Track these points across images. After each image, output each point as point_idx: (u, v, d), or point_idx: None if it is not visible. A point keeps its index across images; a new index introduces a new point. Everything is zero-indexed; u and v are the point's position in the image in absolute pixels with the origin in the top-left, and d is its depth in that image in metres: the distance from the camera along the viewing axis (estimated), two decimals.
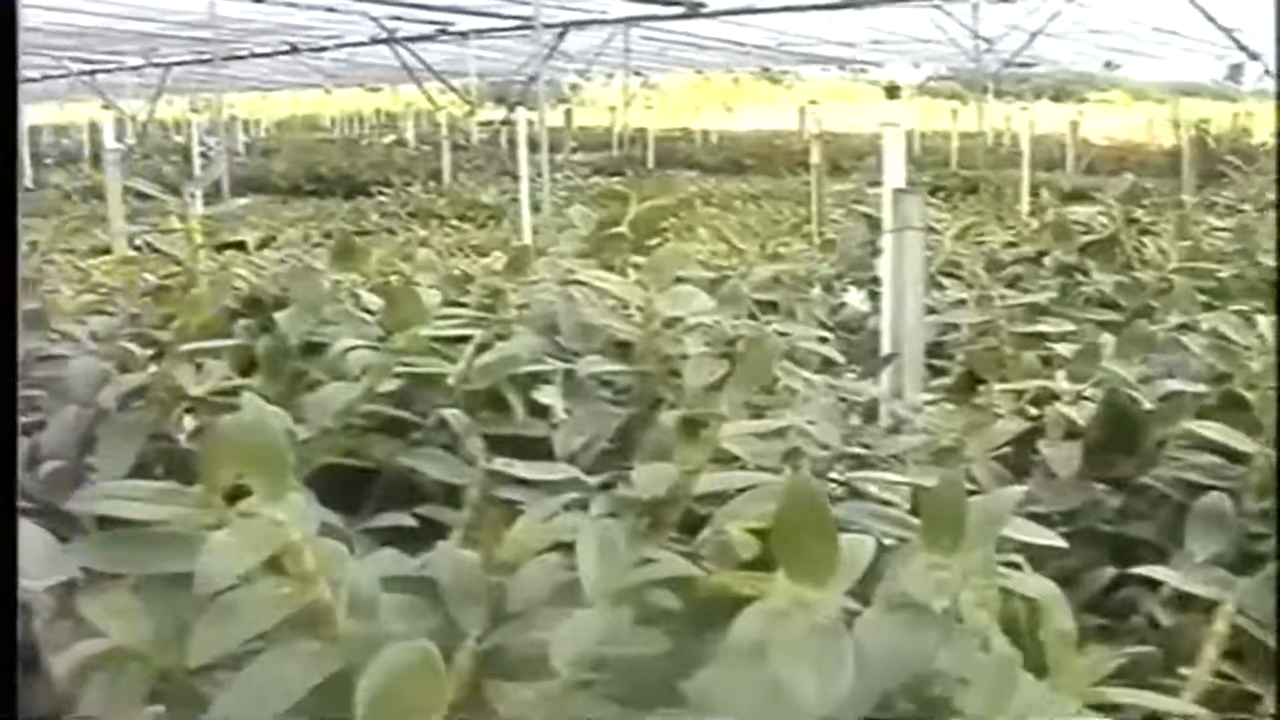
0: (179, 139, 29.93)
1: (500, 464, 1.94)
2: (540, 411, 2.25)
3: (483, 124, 24.62)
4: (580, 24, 19.95)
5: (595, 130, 27.41)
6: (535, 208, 10.27)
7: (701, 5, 18.40)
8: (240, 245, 3.55)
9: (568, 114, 22.69)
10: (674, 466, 1.74)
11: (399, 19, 20.17)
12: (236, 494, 1.32)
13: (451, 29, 21.09)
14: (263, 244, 3.67)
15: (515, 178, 16.52)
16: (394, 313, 2.20)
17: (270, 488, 1.24)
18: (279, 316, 2.42)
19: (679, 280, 2.47)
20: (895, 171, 3.07)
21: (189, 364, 2.17)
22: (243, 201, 3.37)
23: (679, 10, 18.72)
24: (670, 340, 2.36)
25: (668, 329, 2.36)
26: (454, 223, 10.23)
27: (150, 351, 2.28)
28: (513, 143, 23.47)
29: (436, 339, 2.29)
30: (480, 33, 21.39)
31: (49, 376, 2.30)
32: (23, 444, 1.98)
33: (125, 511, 1.37)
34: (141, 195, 8.08)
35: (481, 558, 1.53)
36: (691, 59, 29.46)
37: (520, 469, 1.94)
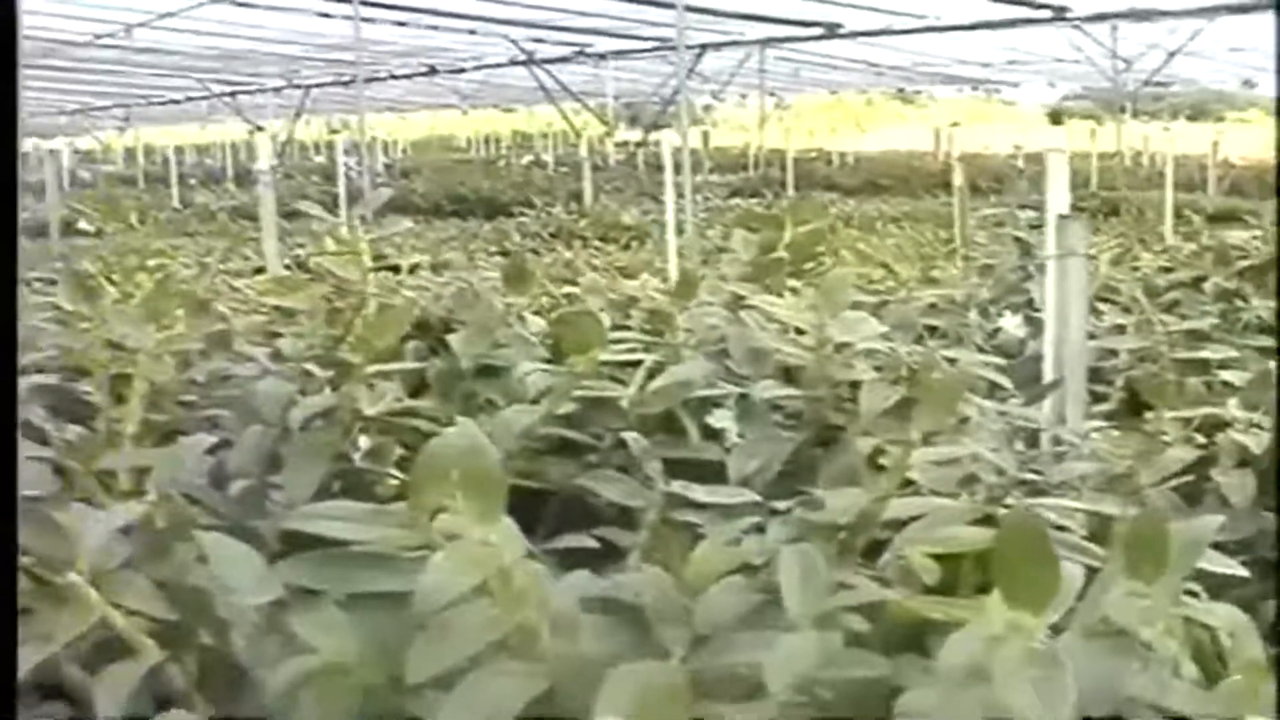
0: (318, 159, 30.33)
1: (678, 487, 1.96)
2: (711, 435, 2.27)
3: (620, 145, 24.72)
4: (717, 46, 19.97)
5: (730, 151, 27.38)
6: (678, 229, 10.30)
7: (839, 26, 18.38)
8: (394, 268, 3.58)
9: (705, 135, 22.72)
10: (862, 492, 1.75)
11: (539, 41, 20.32)
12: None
13: (589, 50, 21.20)
14: (417, 266, 3.71)
15: (654, 199, 16.62)
16: (571, 335, 2.21)
17: (483, 511, 1.27)
18: (453, 339, 2.45)
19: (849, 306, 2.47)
20: (1059, 197, 3.06)
21: (364, 385, 2.20)
22: (406, 224, 3.39)
23: (816, 32, 18.71)
24: (841, 365, 2.37)
25: (838, 354, 2.37)
26: (596, 244, 10.28)
27: (330, 373, 2.32)
28: (649, 164, 23.64)
29: (606, 362, 2.31)
30: (618, 54, 21.49)
31: (231, 396, 2.35)
32: (209, 463, 2.02)
33: (334, 531, 1.41)
34: (289, 215, 8.20)
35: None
36: (825, 79, 29.42)
37: (699, 493, 1.96)
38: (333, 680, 1.31)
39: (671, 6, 14.23)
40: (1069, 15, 17.42)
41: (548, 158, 27.53)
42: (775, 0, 16.59)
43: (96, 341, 2.40)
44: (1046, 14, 17.38)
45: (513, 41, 19.99)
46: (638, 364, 2.39)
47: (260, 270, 6.79)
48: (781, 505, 1.89)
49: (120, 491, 2.04)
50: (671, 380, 2.29)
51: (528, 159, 28.26)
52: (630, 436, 2.06)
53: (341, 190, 11.83)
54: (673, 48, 19.40)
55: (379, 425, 2.23)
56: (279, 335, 2.94)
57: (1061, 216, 3.02)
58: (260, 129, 12.46)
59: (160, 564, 1.67)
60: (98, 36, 18.98)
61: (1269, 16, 16.42)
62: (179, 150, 27.51)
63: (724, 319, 2.74)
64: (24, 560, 1.56)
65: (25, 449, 2.07)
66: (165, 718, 1.22)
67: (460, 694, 1.23)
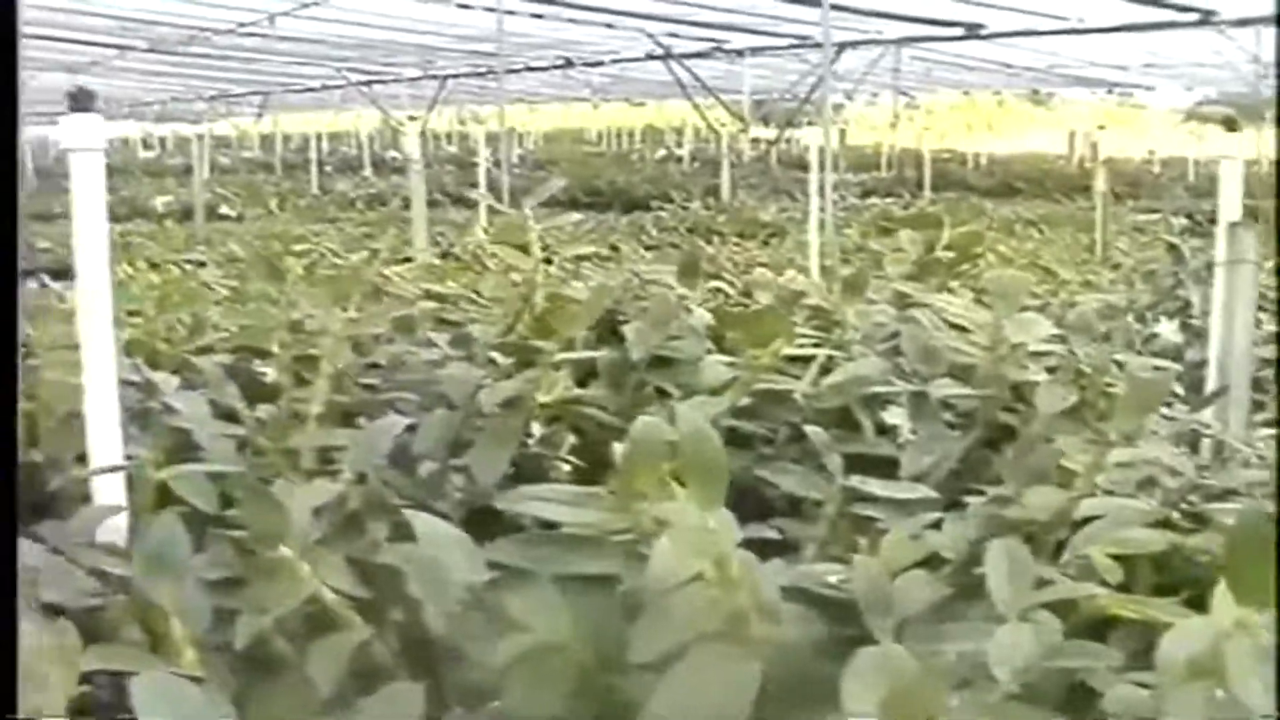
0: (450, 149, 30.53)
1: (856, 481, 1.99)
2: (882, 431, 2.29)
3: (755, 141, 24.69)
4: (855, 44, 19.89)
5: (861, 150, 27.24)
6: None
7: (980, 27, 18.23)
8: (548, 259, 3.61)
9: (841, 134, 22.62)
10: (1057, 490, 1.76)
11: (675, 35, 20.32)
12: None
13: (726, 46, 21.17)
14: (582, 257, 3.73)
15: (789, 196, 16.59)
16: (755, 329, 2.24)
17: (705, 498, 1.29)
18: (628, 330, 2.47)
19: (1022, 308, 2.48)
20: (1231, 204, 3.04)
21: (550, 372, 2.23)
22: (575, 216, 3.42)
23: (957, 32, 18.57)
24: (1014, 365, 2.38)
25: (1013, 354, 2.38)
26: (734, 240, 10.28)
27: (511, 360, 2.35)
28: (782, 161, 23.59)
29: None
30: (755, 50, 21.45)
31: (413, 380, 2.39)
32: (395, 444, 2.05)
33: (546, 513, 1.44)
34: (429, 204, 8.26)
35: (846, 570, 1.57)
36: (958, 79, 29.15)
37: (876, 486, 1.97)
38: (546, 658, 1.34)
39: (814, 4, 14.19)
40: (1216, 19, 17.16)
41: (682, 152, 27.56)
42: (916, 0, 16.52)
43: (280, 324, 2.45)
44: (1193, 17, 17.12)
45: (650, 36, 20.00)
46: (808, 359, 2.42)
47: (407, 258, 6.85)
48: (957, 501, 1.92)
49: (305, 471, 2.09)
50: (848, 376, 2.31)
51: (661, 153, 28.30)
52: (812, 430, 2.07)
53: (481, 180, 11.90)
54: (810, 45, 19.39)
55: (550, 412, 2.26)
56: (446, 321, 2.98)
57: (1233, 224, 3.00)
58: (413, 118, 12.60)
59: (353, 542, 1.71)
60: (241, 24, 19.19)
61: None
62: (316, 137, 27.79)
63: (892, 317, 2.76)
64: (236, 533, 1.61)
65: (217, 427, 2.13)
66: (389, 689, 1.25)
67: (676, 675, 1.25)
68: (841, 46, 19.52)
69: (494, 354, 2.44)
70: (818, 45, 18.68)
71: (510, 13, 15.81)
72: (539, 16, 17.94)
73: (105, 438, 1.85)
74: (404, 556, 1.56)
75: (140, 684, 1.08)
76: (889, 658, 1.18)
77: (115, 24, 19.77)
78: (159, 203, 15.72)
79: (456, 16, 18.22)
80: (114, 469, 1.84)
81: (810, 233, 7.49)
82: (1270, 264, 4.59)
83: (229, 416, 2.19)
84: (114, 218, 15.59)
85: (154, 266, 7.62)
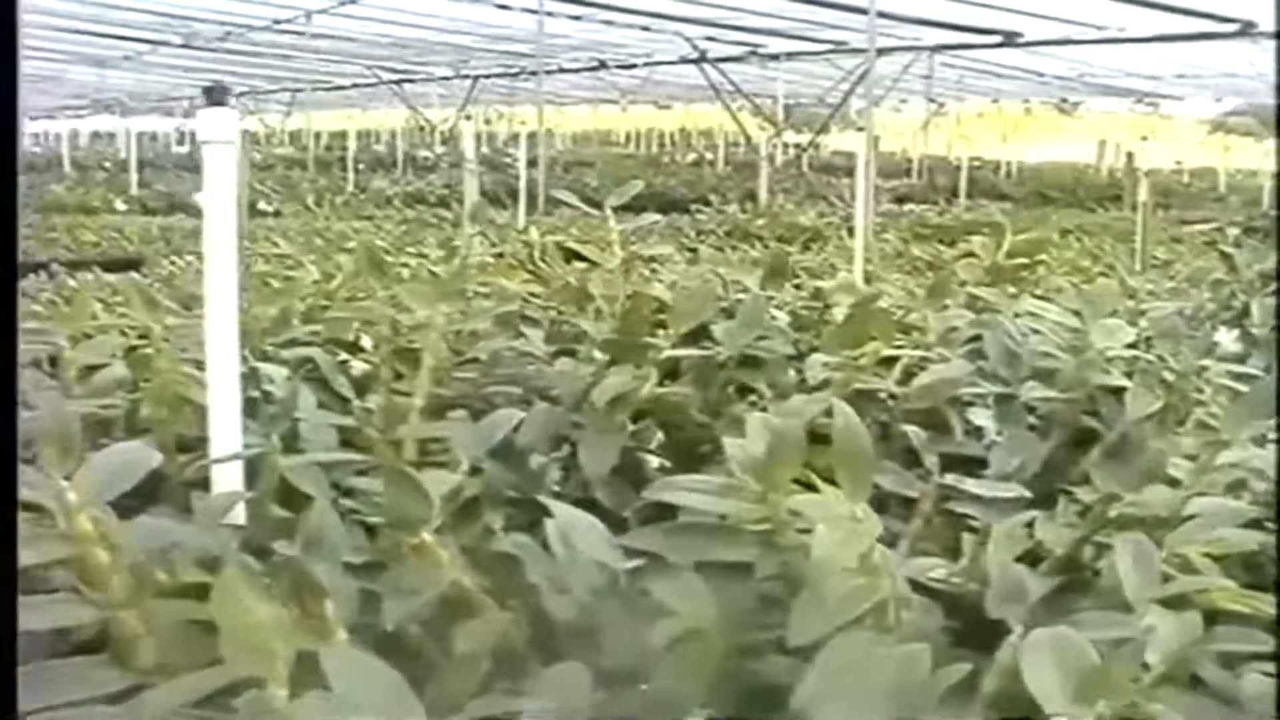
0: (482, 149, 30.60)
1: (951, 479, 2.03)
2: (968, 432, 2.33)
3: (789, 146, 24.74)
4: (890, 50, 19.92)
5: (890, 156, 27.26)
6: (850, 231, 10.32)
7: (1018, 35, 18.27)
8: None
9: (876, 140, 22.65)
10: (1168, 488, 1.80)
11: (711, 39, 20.37)
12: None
13: (761, 51, 21.24)
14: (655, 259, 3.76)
15: (826, 201, 16.62)
16: (855, 330, 2.28)
17: (854, 489, 1.33)
18: (717, 329, 2.51)
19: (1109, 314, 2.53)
20: None
21: (652, 368, 2.28)
22: (655, 217, 3.45)
23: (995, 40, 18.60)
24: (1098, 370, 2.42)
25: (1099, 358, 2.42)
26: (772, 244, 10.33)
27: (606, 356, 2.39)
28: (814, 166, 23.64)
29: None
30: (791, 55, 21.50)
31: (514, 374, 2.44)
32: (495, 438, 2.10)
33: (690, 502, 1.48)
34: (458, 201, 8.27)
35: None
36: (988, 87, 29.19)
37: (971, 485, 2.02)
38: (693, 644, 1.38)
39: (852, 10, 14.26)
40: (1255, 30, 17.18)
41: (711, 156, 27.61)
42: (954, 6, 16.52)
43: (381, 317, 2.50)
44: (1232, 28, 17.13)
45: (687, 39, 20.07)
46: (890, 360, 2.46)
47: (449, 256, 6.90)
48: (1046, 500, 1.96)
49: (409, 461, 2.14)
50: (936, 378, 2.35)
51: (692, 157, 28.36)
52: (911, 430, 2.11)
53: (522, 179, 11.97)
54: (845, 51, 19.43)
55: (639, 408, 2.30)
56: (524, 317, 3.02)
57: None
58: (468, 118, 12.62)
59: (467, 530, 1.76)
60: (276, 21, 19.29)
61: None
62: (343, 135, 27.87)
63: (969, 321, 2.80)
64: (375, 519, 1.65)
65: (329, 416, 2.17)
66: (559, 669, 1.29)
67: (824, 661, 1.29)
68: (879, 52, 19.55)
69: (577, 347, 2.49)
70: (853, 51, 18.76)
71: (549, 14, 15.87)
72: (576, 18, 18.01)
73: (226, 426, 1.89)
74: (532, 543, 1.61)
75: (331, 657, 1.13)
76: (1061, 638, 1.23)
77: (150, 18, 19.88)
78: (199, 197, 15.79)
79: (493, 17, 18.29)
80: (234, 457, 1.88)
81: (858, 237, 7.55)
82: None
83: (344, 410, 2.25)
84: (153, 211, 15.76)
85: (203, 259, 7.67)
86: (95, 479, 1.42)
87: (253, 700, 1.10)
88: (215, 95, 1.82)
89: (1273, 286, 3.70)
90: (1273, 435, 2.04)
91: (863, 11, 13.52)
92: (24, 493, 1.43)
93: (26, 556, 1.37)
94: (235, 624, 1.09)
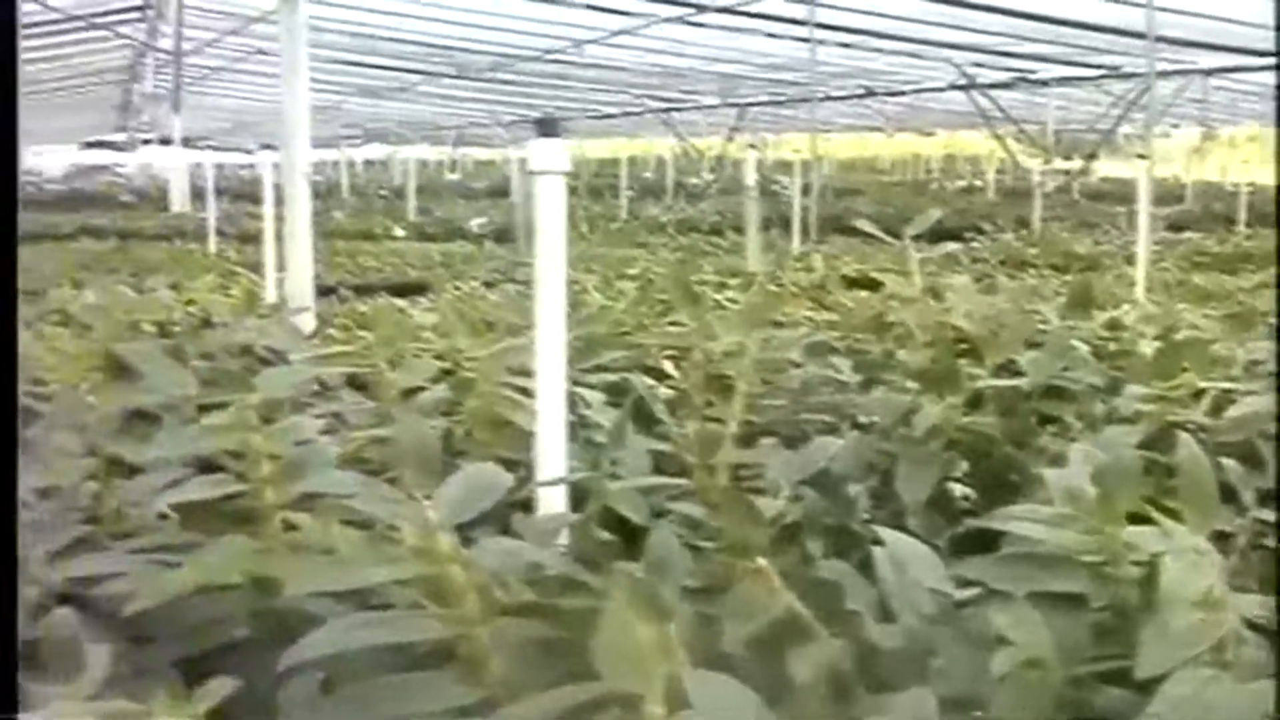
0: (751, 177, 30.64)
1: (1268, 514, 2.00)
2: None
3: (1059, 173, 24.37)
4: (1167, 74, 19.52)
5: (1161, 182, 26.63)
6: (1127, 260, 10.15)
7: None
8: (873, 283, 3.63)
9: (1150, 166, 22.24)
10: None
11: (980, 66, 20.20)
12: None
13: (1030, 77, 20.98)
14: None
15: (1100, 228, 16.35)
16: (1163, 362, 2.26)
17: (1200, 521, 1.33)
18: (1023, 360, 2.51)
19: None
20: None
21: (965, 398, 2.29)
22: (953, 246, 3.45)
23: (1270, 62, 18.12)
24: None
25: None
26: (1045, 271, 10.23)
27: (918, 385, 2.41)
28: (1083, 193, 23.26)
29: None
30: (1060, 81, 21.22)
31: (822, 402, 2.47)
32: (815, 465, 2.12)
33: (1025, 532, 1.49)
34: (734, 229, 8.32)
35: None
36: (1260, 110, 28.43)
37: None
38: (1030, 674, 1.39)
39: (1128, 34, 14.05)
40: None
41: (979, 183, 27.34)
42: (1229, 28, 16.13)
43: (688, 343, 2.54)
44: None
45: (955, 66, 19.92)
46: (1199, 392, 2.43)
47: (729, 283, 6.96)
48: None
49: (722, 488, 2.17)
50: (1249, 411, 2.32)
51: (960, 184, 28.13)
52: (1228, 464, 2.09)
53: (796, 207, 11.99)
54: (1117, 76, 19.09)
55: (937, 436, 2.31)
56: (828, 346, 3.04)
57: None
58: (753, 146, 12.69)
59: (786, 556, 1.78)
60: (546, 52, 19.58)
61: None
62: (614, 162, 28.16)
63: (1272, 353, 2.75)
64: (707, 544, 1.69)
65: (641, 443, 2.22)
66: (906, 695, 1.31)
67: (1168, 694, 1.29)
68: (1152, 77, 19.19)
69: (884, 376, 2.51)
70: (1125, 76, 18.43)
71: (819, 42, 15.88)
72: (846, 46, 17.97)
73: (552, 449, 1.95)
74: (852, 569, 1.63)
75: (695, 678, 1.16)
76: None
77: (423, 50, 20.32)
78: (475, 224, 16.15)
79: (762, 45, 18.35)
80: (560, 481, 1.94)
81: (1139, 266, 7.46)
82: None
83: (661, 435, 2.29)
84: (431, 237, 16.11)
85: (488, 286, 7.86)
86: (453, 499, 1.47)
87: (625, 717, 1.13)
88: (546, 127, 1.87)
89: None
90: None
91: (1139, 36, 13.29)
92: (384, 512, 1.49)
93: (380, 574, 1.43)
94: (618, 642, 1.13)
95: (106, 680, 1.35)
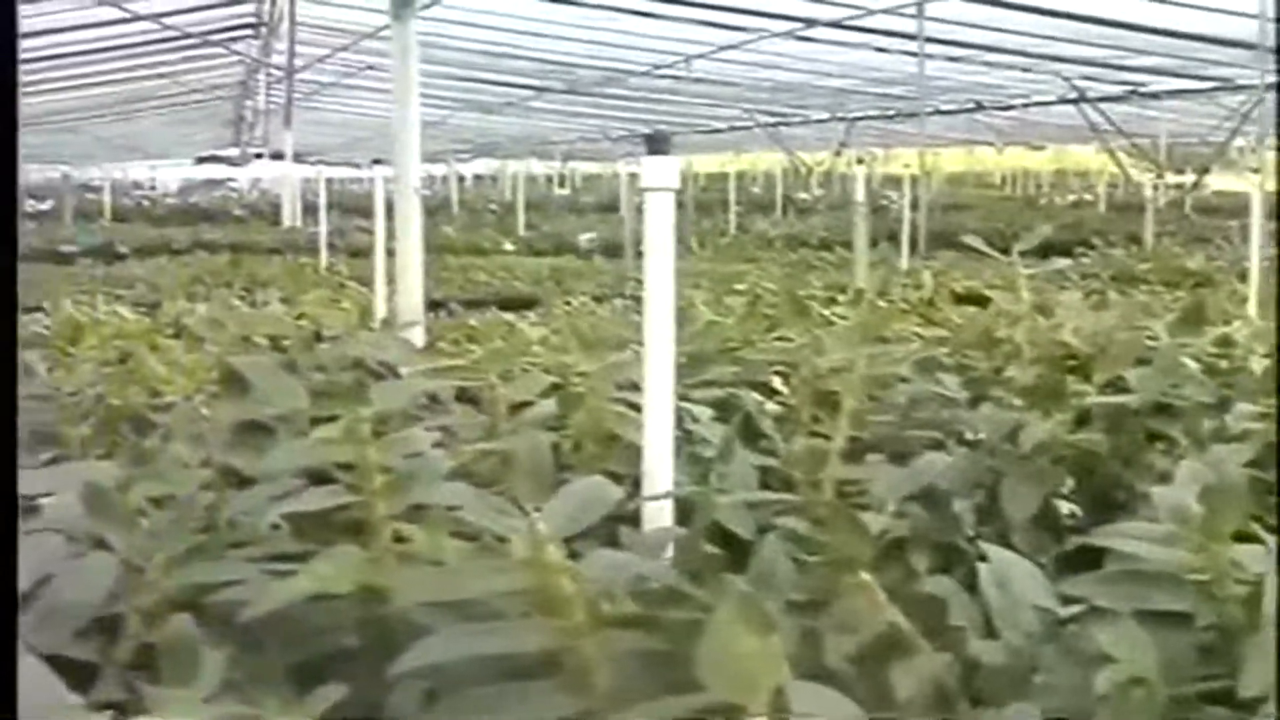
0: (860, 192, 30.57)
1: None
2: None
3: (1172, 188, 24.11)
4: (1277, 87, 19.25)
5: (1275, 197, 26.31)
6: (1240, 276, 10.04)
7: None
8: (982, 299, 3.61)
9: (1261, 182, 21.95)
10: None
11: (1090, 79, 19.99)
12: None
13: (1142, 90, 20.75)
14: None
15: (1213, 243, 16.17)
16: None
17: None
18: (1131, 376, 2.50)
19: None
20: None
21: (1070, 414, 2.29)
22: (1063, 262, 3.44)
23: None
24: None
25: None
26: (1157, 288, 10.15)
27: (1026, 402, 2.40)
28: (1195, 208, 22.99)
29: None
30: (1173, 94, 20.96)
31: (928, 418, 2.47)
32: (921, 482, 2.12)
33: (1130, 549, 1.49)
34: (843, 244, 8.31)
35: None
36: None
37: None
38: (1134, 692, 1.39)
39: (1241, 46, 13.88)
40: None
41: (1090, 197, 27.11)
42: None
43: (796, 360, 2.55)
44: None
45: (1065, 79, 19.73)
46: None
47: (837, 299, 6.96)
48: None
49: (827, 503, 2.17)
50: None
51: (1070, 198, 27.90)
52: None
53: (905, 222, 11.95)
54: (1230, 89, 18.84)
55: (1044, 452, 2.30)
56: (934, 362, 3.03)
57: None
58: (860, 160, 12.68)
59: (890, 572, 1.78)
60: (656, 67, 19.60)
61: None
62: (722, 177, 28.17)
63: None
64: (812, 559, 1.70)
65: (748, 458, 2.23)
66: (1010, 710, 1.32)
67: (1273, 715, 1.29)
68: (1269, 88, 18.95)
69: (991, 392, 2.51)
70: (1238, 88, 18.18)
71: (928, 56, 15.80)
72: (955, 60, 17.86)
73: (659, 463, 1.96)
74: (956, 585, 1.63)
75: (799, 690, 1.17)
76: None
77: (535, 66, 20.41)
78: (583, 239, 16.22)
79: (871, 59, 18.27)
80: (668, 495, 1.95)
81: (1251, 282, 7.38)
82: None
83: (768, 450, 2.30)
84: (540, 252, 16.21)
85: (597, 300, 7.90)
86: (562, 512, 1.49)
87: None
88: (656, 144, 1.89)
89: None
90: None
91: (1251, 47, 13.12)
92: (493, 524, 1.51)
93: (488, 585, 1.45)
94: (723, 654, 1.14)
95: (221, 685, 1.38)
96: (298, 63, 18.10)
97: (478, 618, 1.48)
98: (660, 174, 1.89)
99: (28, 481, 1.95)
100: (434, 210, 25.51)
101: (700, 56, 18.48)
